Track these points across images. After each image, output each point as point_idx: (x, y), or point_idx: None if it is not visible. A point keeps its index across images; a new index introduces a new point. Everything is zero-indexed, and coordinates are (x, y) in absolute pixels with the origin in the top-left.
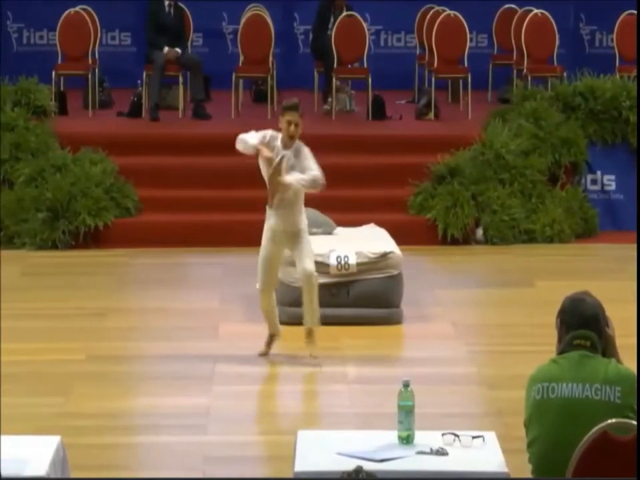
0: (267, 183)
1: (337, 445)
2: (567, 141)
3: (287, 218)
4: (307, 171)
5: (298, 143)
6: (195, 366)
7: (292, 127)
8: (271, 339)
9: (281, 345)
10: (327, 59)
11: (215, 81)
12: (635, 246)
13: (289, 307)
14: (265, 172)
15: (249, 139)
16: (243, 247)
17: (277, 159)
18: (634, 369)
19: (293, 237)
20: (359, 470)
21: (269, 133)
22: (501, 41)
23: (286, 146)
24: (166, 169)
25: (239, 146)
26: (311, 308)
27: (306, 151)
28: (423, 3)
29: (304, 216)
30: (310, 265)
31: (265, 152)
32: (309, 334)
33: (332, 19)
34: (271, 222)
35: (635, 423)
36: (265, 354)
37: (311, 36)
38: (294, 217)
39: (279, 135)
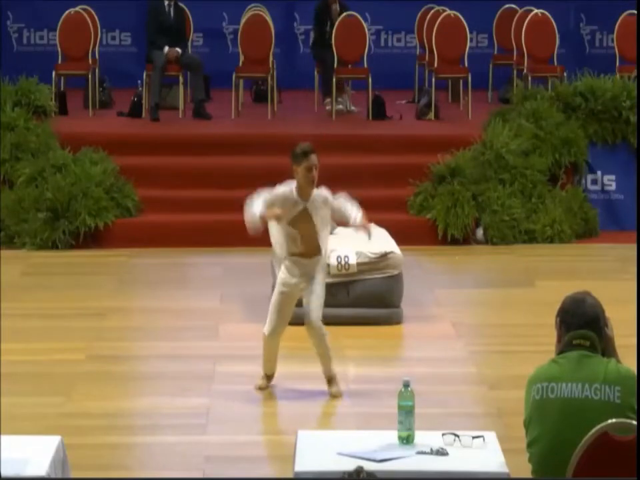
0: (288, 234)
1: (337, 445)
2: (567, 141)
3: (308, 258)
4: (345, 211)
5: (317, 191)
6: (195, 366)
7: (314, 172)
8: (269, 379)
9: (280, 345)
10: (326, 62)
11: (215, 80)
12: (635, 246)
13: None
14: (283, 226)
15: (255, 208)
16: (243, 247)
17: (299, 210)
18: (634, 369)
19: (310, 272)
20: (359, 470)
21: (280, 190)
22: (501, 40)
23: (304, 196)
24: (166, 169)
25: (246, 217)
26: (327, 359)
27: (330, 196)
28: (423, 2)
29: (325, 250)
30: (314, 315)
31: (272, 213)
32: (331, 380)
33: (329, 24)
34: (290, 269)
35: (634, 422)
36: (264, 388)
37: (310, 40)
38: (315, 253)
39: (292, 186)
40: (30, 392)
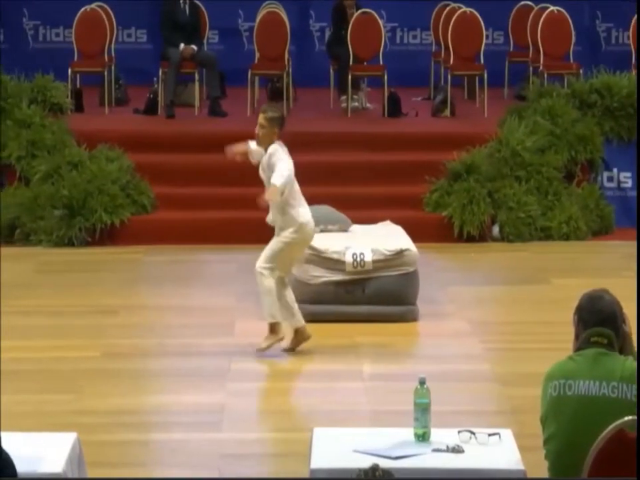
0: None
1: (353, 442)
2: (583, 138)
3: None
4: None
5: (273, 145)
6: (210, 363)
7: (256, 128)
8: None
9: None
10: (342, 59)
11: (231, 78)
12: None
13: (308, 304)
14: None
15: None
16: (257, 244)
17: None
18: None
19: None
20: (375, 467)
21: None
22: (517, 38)
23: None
24: (182, 166)
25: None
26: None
27: (276, 156)
28: (439, 0)
29: (287, 217)
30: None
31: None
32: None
33: (344, 26)
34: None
35: None
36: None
37: (326, 37)
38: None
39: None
40: (42, 389)
